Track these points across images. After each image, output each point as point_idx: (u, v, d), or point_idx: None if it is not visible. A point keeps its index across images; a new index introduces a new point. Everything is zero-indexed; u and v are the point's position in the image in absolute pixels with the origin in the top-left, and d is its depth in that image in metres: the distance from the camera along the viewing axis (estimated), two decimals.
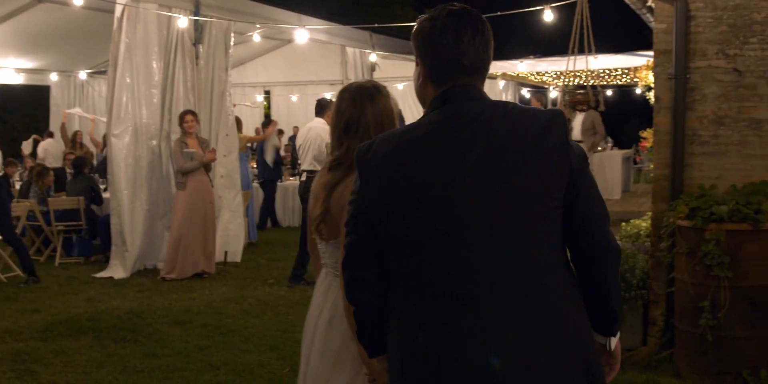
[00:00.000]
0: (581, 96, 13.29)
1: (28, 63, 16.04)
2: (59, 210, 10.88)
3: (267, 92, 21.28)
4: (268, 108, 22.45)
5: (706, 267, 5.30)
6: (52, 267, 10.50)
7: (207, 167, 9.83)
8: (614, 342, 2.48)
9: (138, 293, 8.83)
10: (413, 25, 2.41)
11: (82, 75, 17.29)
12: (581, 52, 7.87)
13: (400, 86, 20.42)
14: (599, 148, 13.99)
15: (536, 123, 2.27)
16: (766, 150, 5.75)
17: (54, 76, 16.94)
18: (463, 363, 2.21)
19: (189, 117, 9.64)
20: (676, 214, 5.55)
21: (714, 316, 5.29)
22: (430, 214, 2.24)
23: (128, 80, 9.86)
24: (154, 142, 10.24)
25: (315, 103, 9.46)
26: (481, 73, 2.39)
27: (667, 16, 5.94)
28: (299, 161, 10.43)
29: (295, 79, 19.44)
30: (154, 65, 10.17)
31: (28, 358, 6.35)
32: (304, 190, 9.92)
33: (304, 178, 10.02)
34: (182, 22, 10.00)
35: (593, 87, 11.89)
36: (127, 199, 9.83)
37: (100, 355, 6.46)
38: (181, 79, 10.27)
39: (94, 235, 11.13)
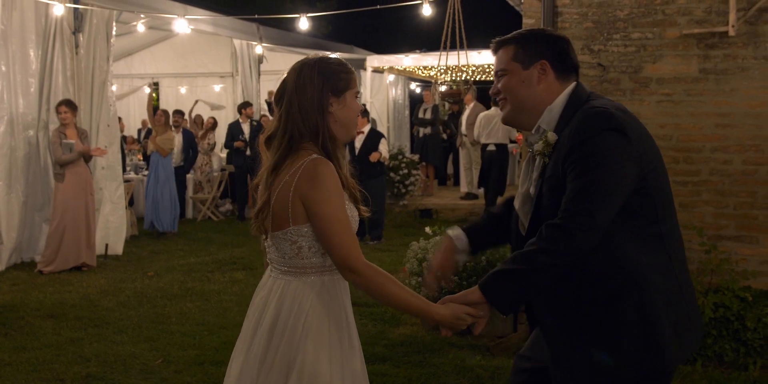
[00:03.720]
0: (451, 90, 13.79)
1: None
2: None
3: (156, 84, 20.96)
4: (156, 100, 22.13)
5: None
6: None
7: (86, 158, 9.64)
8: None
9: (12, 287, 8.60)
10: (297, 17, 2.54)
11: None
12: (453, 47, 8.06)
13: None
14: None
15: None
16: None
17: None
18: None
19: (62, 108, 9.40)
20: None
21: None
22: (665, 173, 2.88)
23: (3, 68, 9.55)
24: (31, 133, 9.97)
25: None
26: None
27: (536, 12, 6.11)
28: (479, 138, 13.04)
29: (183, 70, 19.20)
30: (32, 53, 9.89)
31: None
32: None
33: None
34: (58, 9, 9.76)
35: (465, 82, 12.26)
36: (2, 191, 9.52)
37: None
38: (60, 68, 10.02)
39: None
